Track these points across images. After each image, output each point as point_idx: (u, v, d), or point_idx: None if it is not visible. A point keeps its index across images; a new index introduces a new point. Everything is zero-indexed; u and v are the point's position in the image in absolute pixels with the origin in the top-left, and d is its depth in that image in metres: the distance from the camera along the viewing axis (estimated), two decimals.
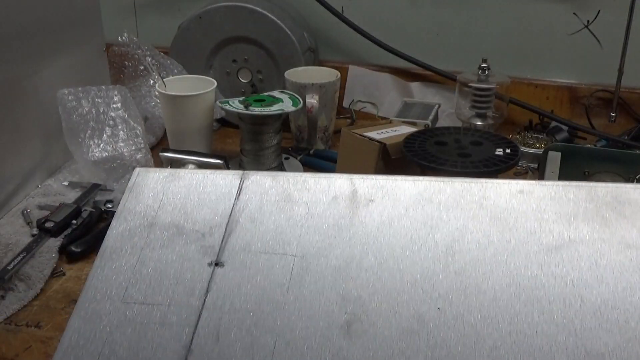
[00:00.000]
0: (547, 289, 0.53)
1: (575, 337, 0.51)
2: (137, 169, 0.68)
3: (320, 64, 1.26)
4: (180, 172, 0.67)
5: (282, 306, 0.55)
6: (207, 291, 0.57)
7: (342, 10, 1.27)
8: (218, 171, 0.66)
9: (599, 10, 1.16)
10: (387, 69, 1.29)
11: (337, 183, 0.63)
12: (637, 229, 0.55)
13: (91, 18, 1.09)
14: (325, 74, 1.11)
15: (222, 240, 0.60)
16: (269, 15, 1.14)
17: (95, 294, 0.59)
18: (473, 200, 0.59)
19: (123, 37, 1.18)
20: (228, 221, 0.62)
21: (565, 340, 0.51)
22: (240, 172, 0.65)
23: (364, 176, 0.63)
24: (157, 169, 0.67)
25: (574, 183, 0.59)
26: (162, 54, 1.19)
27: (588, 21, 1.17)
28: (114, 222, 0.63)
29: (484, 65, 1.11)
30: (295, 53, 1.15)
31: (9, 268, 0.79)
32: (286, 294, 0.56)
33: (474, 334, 0.52)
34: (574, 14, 1.17)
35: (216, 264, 0.59)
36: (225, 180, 0.65)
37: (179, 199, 0.64)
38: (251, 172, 0.65)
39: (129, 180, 0.67)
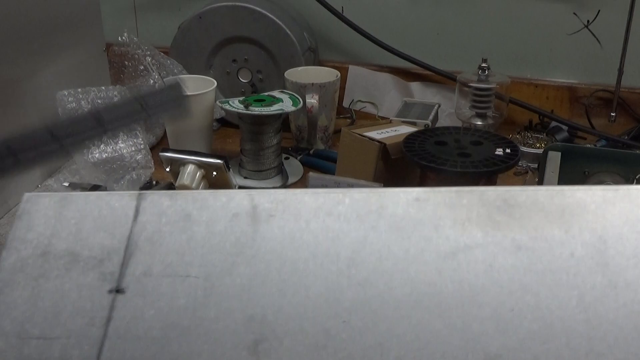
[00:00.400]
0: (446, 294, 0.55)
1: (474, 341, 0.53)
2: (26, 195, 0.65)
3: (320, 64, 1.26)
4: (73, 195, 0.64)
5: (188, 331, 0.55)
6: (109, 320, 0.56)
7: (342, 10, 1.25)
8: (113, 193, 0.64)
9: (599, 10, 1.16)
10: (387, 69, 1.28)
11: (236, 199, 0.62)
12: (527, 230, 0.58)
13: (91, 18, 1.08)
14: (325, 74, 1.11)
15: (122, 266, 0.59)
16: (269, 15, 1.13)
17: None
18: (371, 210, 0.61)
19: (123, 37, 1.17)
20: (126, 245, 0.60)
21: (465, 345, 0.53)
22: (136, 192, 0.64)
23: (263, 191, 0.63)
24: (48, 194, 0.65)
25: (466, 189, 0.61)
26: (162, 54, 1.18)
27: (588, 21, 1.17)
28: (4, 254, 0.61)
29: (484, 65, 1.11)
30: (295, 53, 1.15)
31: None
32: (191, 317, 0.55)
33: (379, 345, 0.53)
34: (574, 14, 1.18)
35: (117, 291, 0.58)
36: (120, 202, 0.63)
37: (73, 224, 0.62)
38: (147, 193, 0.64)
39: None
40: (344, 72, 1.25)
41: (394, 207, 0.61)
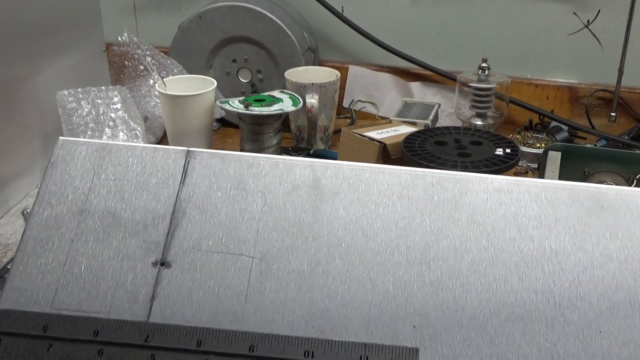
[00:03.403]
0: (529, 306, 0.50)
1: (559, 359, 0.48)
2: (61, 139, 0.58)
3: (320, 64, 1.26)
4: (113, 146, 0.58)
5: (240, 319, 0.49)
6: (153, 297, 0.50)
7: (342, 10, 1.26)
8: (158, 147, 0.58)
9: (599, 10, 1.16)
10: (387, 69, 1.28)
11: (296, 170, 0.56)
12: (619, 239, 0.53)
13: (91, 18, 1.08)
14: (325, 74, 1.12)
15: (168, 235, 0.53)
16: (269, 15, 1.13)
17: (18, 298, 0.50)
18: (448, 198, 0.55)
19: (123, 37, 1.17)
20: (173, 211, 0.54)
21: None
22: (185, 149, 0.57)
23: (326, 164, 0.56)
24: (85, 141, 0.58)
25: (554, 183, 0.55)
26: (162, 53, 1.18)
27: (588, 21, 1.17)
28: (36, 207, 0.55)
29: (484, 65, 1.10)
30: (295, 53, 1.14)
31: (8, 267, 0.75)
32: (244, 304, 0.50)
33: (453, 356, 0.48)
34: (574, 13, 1.17)
35: (162, 264, 0.52)
36: (167, 159, 0.57)
37: (114, 180, 0.56)
38: (197, 151, 0.57)
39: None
40: (344, 72, 1.26)
41: (473, 196, 0.55)
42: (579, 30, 1.18)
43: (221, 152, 0.57)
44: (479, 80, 1.10)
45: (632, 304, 0.50)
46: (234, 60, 1.18)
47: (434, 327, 0.49)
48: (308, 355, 0.45)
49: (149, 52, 1.18)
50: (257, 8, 1.14)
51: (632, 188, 0.55)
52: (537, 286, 0.51)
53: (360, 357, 0.44)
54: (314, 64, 1.22)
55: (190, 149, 0.57)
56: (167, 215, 0.54)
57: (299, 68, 1.13)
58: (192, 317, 0.50)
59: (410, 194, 0.55)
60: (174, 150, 0.57)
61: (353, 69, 1.28)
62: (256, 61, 1.17)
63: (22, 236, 0.53)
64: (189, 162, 0.57)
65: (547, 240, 0.53)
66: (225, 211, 0.54)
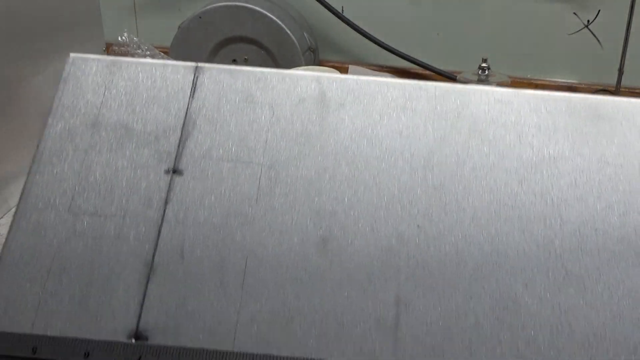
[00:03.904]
0: (528, 207, 0.52)
1: (556, 258, 0.50)
2: (72, 55, 0.60)
3: (320, 64, 1.26)
4: (123, 62, 0.59)
5: (251, 220, 0.51)
6: (166, 202, 0.52)
7: (342, 10, 1.25)
8: (168, 63, 0.59)
9: (599, 10, 1.16)
10: (387, 69, 1.28)
11: (302, 83, 0.58)
12: (615, 145, 0.54)
13: (91, 18, 1.07)
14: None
15: (179, 145, 0.55)
16: (269, 15, 1.14)
17: (36, 202, 0.52)
18: (450, 108, 0.56)
19: (123, 37, 1.18)
20: (184, 123, 0.56)
21: (546, 261, 0.50)
22: (194, 65, 0.59)
23: (332, 77, 0.58)
24: (96, 57, 0.60)
25: (553, 94, 0.57)
26: (162, 54, 1.19)
27: (588, 21, 1.16)
28: (50, 120, 0.56)
29: (484, 65, 1.10)
30: (295, 53, 1.15)
31: None
32: (255, 206, 0.52)
33: (455, 254, 0.50)
34: (574, 13, 1.17)
35: (174, 172, 0.54)
36: (176, 74, 0.58)
37: (125, 94, 0.57)
38: (206, 66, 0.59)
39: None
40: (344, 72, 1.26)
41: (474, 107, 0.56)
42: (579, 30, 1.18)
43: (229, 67, 0.59)
44: (479, 80, 1.10)
45: (626, 204, 0.52)
46: (234, 60, 1.19)
47: (437, 227, 0.51)
48: None
49: (149, 52, 1.19)
50: (257, 8, 1.14)
51: (628, 99, 0.57)
52: (536, 189, 0.53)
53: None
54: (314, 64, 1.22)
55: (199, 64, 0.59)
56: (178, 126, 0.56)
57: (299, 68, 1.14)
58: (204, 220, 0.52)
59: (414, 105, 0.57)
60: (182, 65, 0.59)
61: (353, 69, 1.28)
62: (256, 61, 1.18)
63: (37, 147, 0.55)
64: (197, 77, 0.58)
65: (546, 147, 0.54)
66: (234, 122, 0.56)
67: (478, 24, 1.23)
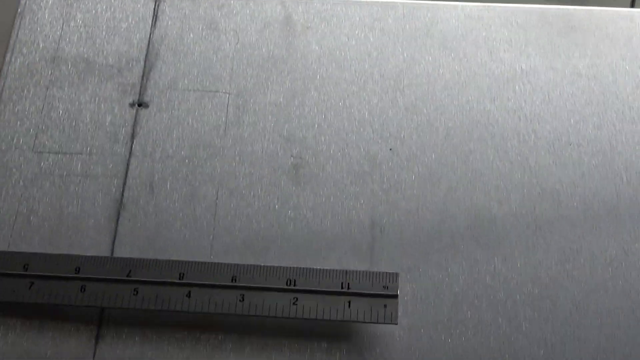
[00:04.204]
0: (501, 124, 0.51)
1: (530, 174, 0.50)
2: None
3: None
4: None
5: (221, 151, 0.50)
6: (133, 136, 0.51)
7: None
8: None
9: None
10: None
11: (267, 7, 0.56)
12: (588, 57, 0.53)
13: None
14: None
15: (143, 77, 0.53)
16: None
17: None
18: (419, 26, 0.55)
19: None
20: (146, 54, 0.54)
21: (521, 177, 0.50)
22: None
23: (297, 0, 0.56)
24: None
25: (524, 6, 0.55)
26: None
27: None
28: (8, 57, 0.54)
29: None
30: None
31: None
32: (224, 137, 0.51)
33: (429, 174, 0.50)
34: None
35: (139, 105, 0.52)
36: (137, 3, 0.56)
37: (84, 26, 0.55)
38: None
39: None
40: None
41: (444, 24, 0.55)
42: None
43: None
44: None
45: (601, 116, 0.51)
46: None
47: (410, 148, 0.51)
48: (290, 284, 0.45)
49: None
50: None
51: (601, 8, 0.55)
52: (509, 105, 0.52)
53: (342, 284, 0.44)
54: None
55: None
56: (141, 57, 0.54)
57: None
58: (173, 152, 0.50)
59: (382, 25, 0.55)
60: None
61: None
62: None
63: None
64: (158, 5, 0.56)
65: (518, 61, 0.53)
66: (199, 51, 0.54)
67: None
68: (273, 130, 0.51)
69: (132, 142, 0.51)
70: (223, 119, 0.52)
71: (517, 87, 0.52)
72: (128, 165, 0.50)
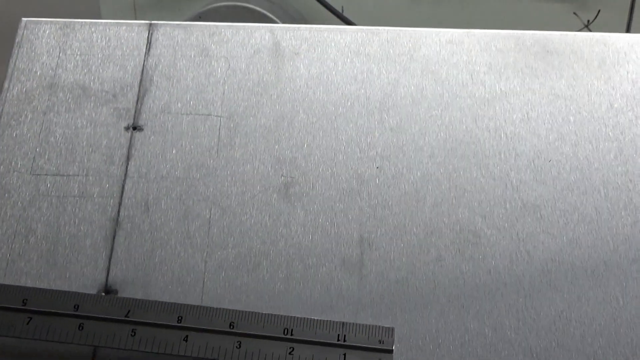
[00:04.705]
0: (482, 142, 0.53)
1: (512, 189, 0.52)
2: (24, 20, 0.60)
3: None
4: (76, 23, 0.59)
5: (214, 171, 0.52)
6: (128, 158, 0.53)
7: (342, 10, 1.21)
8: (121, 22, 0.59)
9: (599, 10, 1.14)
10: None
11: (257, 35, 0.58)
12: (565, 79, 0.56)
13: (91, 18, 1.01)
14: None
15: (137, 102, 0.55)
16: (269, 15, 1.12)
17: None
18: (403, 51, 0.57)
19: None
20: (141, 79, 0.56)
21: (503, 193, 0.52)
22: (147, 23, 0.59)
23: (286, 27, 0.59)
24: (48, 20, 0.59)
25: (502, 32, 0.58)
26: None
27: (588, 21, 1.15)
28: (6, 84, 0.56)
29: None
30: None
31: None
32: (216, 158, 0.53)
33: (414, 191, 0.52)
34: (574, 13, 1.15)
35: (134, 128, 0.54)
36: (130, 33, 0.58)
37: (80, 54, 0.57)
38: (159, 23, 0.59)
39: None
40: None
41: (426, 49, 0.57)
42: (579, 30, 1.17)
43: (183, 23, 0.59)
44: None
45: (578, 134, 0.54)
46: None
47: (396, 167, 0.52)
48: (287, 333, 0.45)
49: None
50: (257, 8, 1.13)
51: (575, 33, 0.58)
52: (490, 125, 0.54)
53: (338, 336, 0.45)
54: None
55: (152, 22, 0.59)
56: (135, 83, 0.56)
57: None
58: (167, 173, 0.52)
59: (367, 50, 0.57)
60: (136, 23, 0.59)
61: None
62: None
63: None
64: (152, 33, 0.58)
65: (498, 83, 0.56)
66: (191, 76, 0.56)
67: (478, 23, 1.22)
68: (264, 151, 0.53)
69: (128, 164, 0.52)
70: (215, 140, 0.53)
71: (497, 108, 0.55)
72: (124, 185, 0.52)
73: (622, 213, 0.51)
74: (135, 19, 1.32)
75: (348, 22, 1.20)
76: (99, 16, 1.04)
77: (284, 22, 1.13)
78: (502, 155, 0.53)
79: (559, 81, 0.56)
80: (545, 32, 0.58)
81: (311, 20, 1.24)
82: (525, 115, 0.54)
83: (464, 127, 0.54)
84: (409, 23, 1.23)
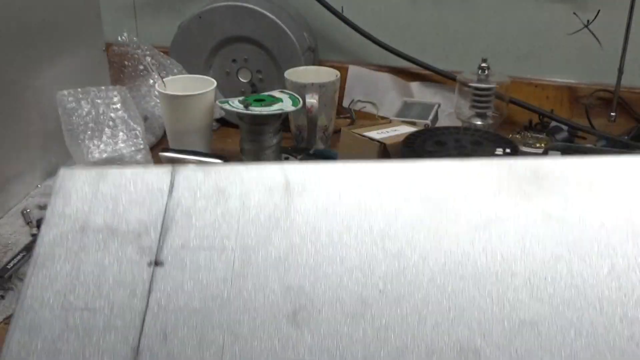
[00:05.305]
0: (480, 264, 0.56)
1: (510, 308, 0.54)
2: (61, 170, 0.66)
3: (320, 63, 1.26)
4: (108, 171, 0.66)
5: (227, 301, 0.56)
6: (150, 292, 0.57)
7: (342, 10, 1.25)
8: (147, 167, 0.65)
9: (599, 10, 1.16)
10: (387, 69, 1.28)
11: (269, 173, 0.63)
12: (557, 201, 0.59)
13: (91, 18, 1.08)
14: (325, 74, 1.11)
15: (159, 239, 0.60)
16: (269, 15, 1.14)
17: (32, 303, 0.57)
18: (403, 182, 0.62)
19: (123, 37, 1.18)
20: (163, 219, 0.61)
21: (500, 312, 0.54)
22: (170, 167, 0.65)
23: (296, 165, 0.64)
24: (83, 169, 0.66)
25: (494, 160, 0.62)
26: (162, 53, 1.19)
27: (588, 21, 1.17)
28: (43, 229, 0.62)
29: (484, 65, 1.11)
30: (295, 53, 1.15)
31: (8, 267, 0.80)
32: (230, 288, 0.57)
33: (416, 313, 0.54)
34: (574, 13, 1.18)
35: (156, 264, 0.59)
36: (154, 177, 0.64)
37: (110, 199, 0.63)
38: (181, 167, 0.65)
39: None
40: (343, 72, 1.25)
41: (425, 179, 0.62)
42: (579, 30, 1.18)
43: (203, 167, 0.65)
44: (479, 80, 1.10)
45: (571, 253, 0.56)
46: (234, 60, 1.19)
47: (397, 290, 0.56)
48: None
49: (148, 52, 1.19)
50: (257, 8, 1.15)
51: (565, 158, 0.62)
52: (487, 247, 0.57)
53: None
54: (313, 64, 1.22)
55: (175, 165, 0.65)
56: (158, 223, 0.61)
57: (299, 68, 1.13)
58: (184, 304, 0.56)
59: (370, 183, 0.62)
60: (161, 169, 0.65)
61: (353, 69, 1.27)
62: (256, 61, 1.18)
63: (34, 253, 0.60)
64: (174, 176, 0.64)
65: (493, 208, 0.59)
66: (209, 214, 0.61)
67: (478, 23, 1.22)
68: (274, 280, 0.57)
69: (149, 297, 0.57)
70: (230, 272, 0.58)
71: (492, 231, 0.58)
72: (144, 317, 0.56)
73: (618, 327, 0.52)
74: (135, 18, 1.35)
75: (348, 22, 1.20)
76: (99, 15, 1.05)
77: (283, 22, 1.12)
78: (499, 276, 0.56)
79: (551, 203, 0.59)
80: (537, 158, 0.62)
81: (311, 20, 1.24)
82: (520, 237, 0.57)
83: (462, 250, 0.57)
84: (408, 23, 1.24)
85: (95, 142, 0.98)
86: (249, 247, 0.59)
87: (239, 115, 0.97)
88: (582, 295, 0.54)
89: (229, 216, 0.61)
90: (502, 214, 0.59)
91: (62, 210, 0.63)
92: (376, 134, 0.94)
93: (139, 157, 1.00)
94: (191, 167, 0.65)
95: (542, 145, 1.10)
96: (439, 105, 1.20)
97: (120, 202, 0.63)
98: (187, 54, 1.19)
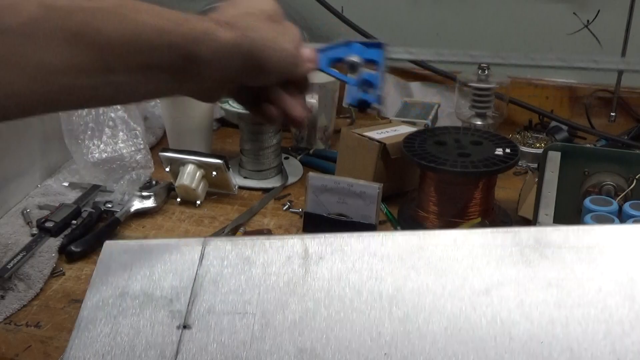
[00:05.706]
0: (480, 328, 0.60)
1: None
2: (107, 243, 0.73)
3: None
4: (148, 243, 0.73)
5: None
6: (177, 353, 0.63)
7: (342, 10, 1.27)
8: (182, 240, 0.72)
9: (599, 10, 1.17)
10: (387, 69, 1.32)
11: (290, 244, 0.69)
12: (557, 267, 0.62)
13: None
14: (325, 74, 1.15)
15: (189, 304, 0.66)
16: None
17: None
18: (412, 251, 0.66)
19: None
20: (193, 286, 0.67)
21: None
22: (202, 239, 0.71)
23: (315, 236, 0.69)
24: (125, 242, 0.73)
25: (501, 230, 0.66)
26: None
27: (588, 21, 1.19)
28: (88, 294, 0.69)
29: (484, 65, 1.12)
30: None
31: (8, 267, 0.82)
32: (249, 350, 0.62)
33: None
34: (574, 14, 1.19)
35: (184, 327, 0.65)
36: (188, 248, 0.71)
37: (147, 267, 0.70)
38: (212, 239, 0.71)
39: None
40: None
41: (432, 248, 0.66)
42: (579, 30, 1.18)
43: (231, 238, 0.71)
44: (479, 80, 1.11)
45: (568, 318, 0.59)
46: None
47: (402, 352, 0.59)
48: None
49: None
50: None
51: (567, 227, 0.65)
52: (487, 312, 0.61)
53: None
54: None
55: (207, 237, 0.71)
56: (188, 290, 0.67)
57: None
58: None
59: (382, 251, 0.67)
60: (194, 241, 0.71)
61: None
62: None
63: (78, 316, 0.67)
64: (205, 247, 0.70)
65: (495, 274, 0.63)
66: (234, 281, 0.67)
67: (478, 23, 1.23)
68: (289, 343, 0.62)
69: (176, 358, 0.62)
70: (249, 335, 0.63)
71: (494, 296, 0.61)
72: None
73: None
74: None
75: (348, 22, 1.20)
76: None
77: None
78: (498, 339, 0.59)
79: (551, 270, 0.62)
80: (540, 227, 0.65)
81: (311, 20, 1.23)
82: (520, 302, 0.61)
83: (464, 315, 0.61)
84: (408, 23, 1.22)
85: (95, 141, 1.01)
86: (268, 311, 0.64)
87: (239, 115, 0.98)
88: (577, 358, 0.57)
89: (251, 282, 0.67)
90: (504, 280, 0.62)
91: (105, 277, 0.70)
92: (376, 134, 0.95)
93: (138, 157, 1.00)
94: (221, 239, 0.71)
95: (542, 145, 1.09)
96: (439, 105, 1.20)
97: (156, 270, 0.70)
98: None
